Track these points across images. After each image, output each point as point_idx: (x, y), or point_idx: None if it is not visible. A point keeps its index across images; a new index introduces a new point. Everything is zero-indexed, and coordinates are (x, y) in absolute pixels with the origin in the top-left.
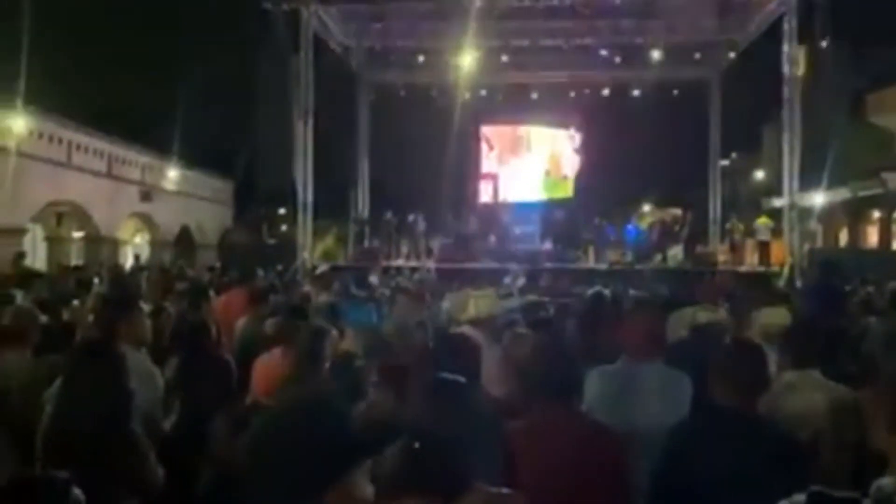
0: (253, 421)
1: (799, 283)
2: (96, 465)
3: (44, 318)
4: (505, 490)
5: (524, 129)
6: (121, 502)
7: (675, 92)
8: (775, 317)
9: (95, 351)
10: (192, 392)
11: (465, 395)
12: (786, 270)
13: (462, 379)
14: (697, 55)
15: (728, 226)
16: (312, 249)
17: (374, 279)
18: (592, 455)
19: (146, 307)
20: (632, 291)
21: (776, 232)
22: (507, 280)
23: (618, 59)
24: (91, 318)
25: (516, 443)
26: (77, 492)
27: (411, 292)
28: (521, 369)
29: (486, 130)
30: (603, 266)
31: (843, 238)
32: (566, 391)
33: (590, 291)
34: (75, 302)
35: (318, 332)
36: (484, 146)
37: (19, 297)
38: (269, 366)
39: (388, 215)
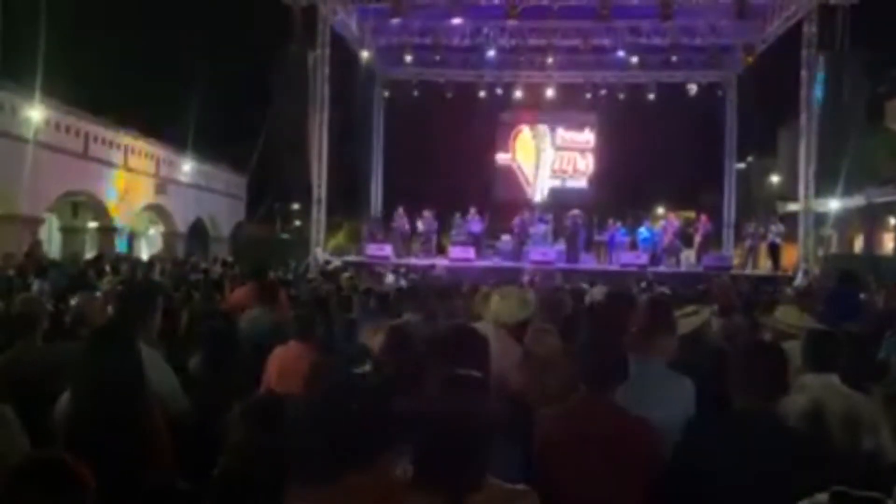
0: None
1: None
2: (116, 444)
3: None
4: (520, 486)
5: (539, 128)
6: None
7: (692, 94)
8: (789, 316)
9: (111, 333)
10: (214, 382)
11: (478, 390)
12: (799, 275)
13: (476, 373)
14: (715, 58)
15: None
16: (325, 245)
17: (389, 279)
18: (627, 444)
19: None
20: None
21: (788, 236)
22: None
23: (634, 61)
24: (106, 309)
25: (550, 430)
26: (88, 473)
27: (426, 290)
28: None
29: (503, 128)
30: (615, 267)
31: (858, 244)
32: (608, 381)
33: (599, 290)
34: (98, 293)
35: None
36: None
37: (35, 285)
38: (285, 358)
39: (401, 212)
